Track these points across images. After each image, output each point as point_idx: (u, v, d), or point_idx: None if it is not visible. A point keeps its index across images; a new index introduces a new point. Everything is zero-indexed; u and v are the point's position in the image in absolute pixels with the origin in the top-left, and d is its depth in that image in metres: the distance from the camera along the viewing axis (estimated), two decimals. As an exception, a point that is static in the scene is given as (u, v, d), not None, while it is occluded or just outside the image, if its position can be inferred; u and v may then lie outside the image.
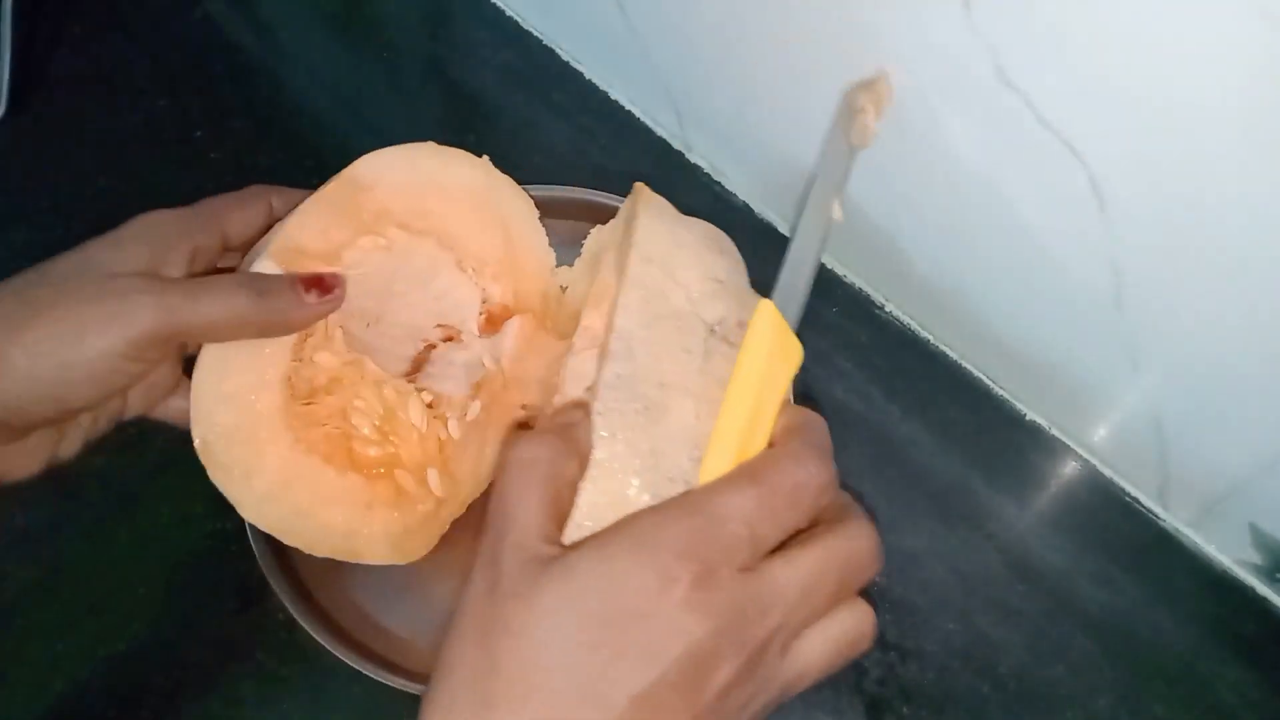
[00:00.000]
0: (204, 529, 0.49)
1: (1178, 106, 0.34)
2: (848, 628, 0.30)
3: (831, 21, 0.44)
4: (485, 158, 0.46)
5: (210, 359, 0.39)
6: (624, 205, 0.43)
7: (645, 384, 0.34)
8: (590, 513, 0.31)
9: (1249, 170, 0.34)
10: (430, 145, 0.45)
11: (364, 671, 0.43)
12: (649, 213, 0.38)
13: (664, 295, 0.36)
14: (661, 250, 0.37)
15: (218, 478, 0.39)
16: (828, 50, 0.46)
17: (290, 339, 0.41)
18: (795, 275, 0.36)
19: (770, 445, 0.32)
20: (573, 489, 0.31)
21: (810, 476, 0.30)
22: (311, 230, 0.41)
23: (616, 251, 0.40)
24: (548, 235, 0.49)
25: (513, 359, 0.46)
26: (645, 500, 0.31)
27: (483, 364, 0.46)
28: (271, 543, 0.44)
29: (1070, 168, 0.39)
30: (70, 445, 0.40)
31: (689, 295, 0.36)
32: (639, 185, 0.41)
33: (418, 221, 0.45)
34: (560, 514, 0.30)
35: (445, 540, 0.44)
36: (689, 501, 0.29)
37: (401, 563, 0.42)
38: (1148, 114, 0.35)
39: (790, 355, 0.33)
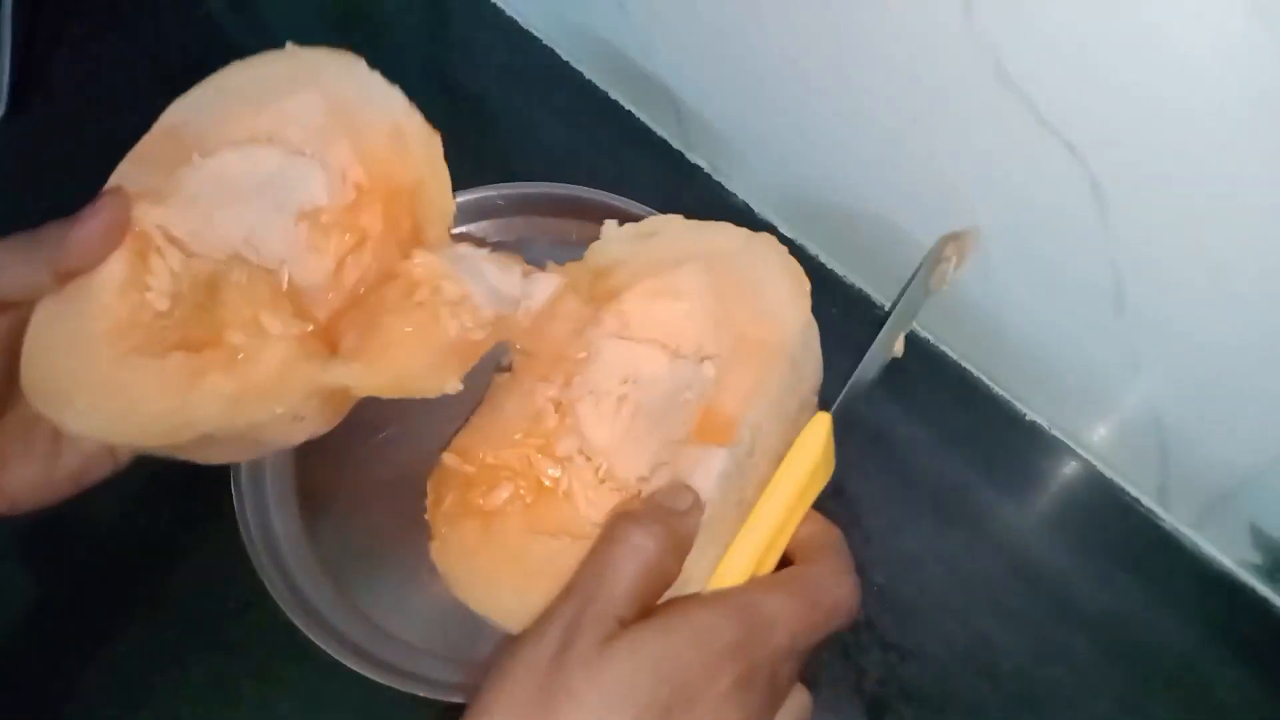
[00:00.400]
0: (204, 529, 0.49)
1: (1178, 107, 0.34)
2: (804, 709, 0.34)
3: (832, 21, 0.44)
4: (290, 44, 0.44)
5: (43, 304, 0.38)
6: (725, 232, 0.43)
7: (748, 481, 0.37)
8: None
9: (1249, 170, 0.34)
10: (234, 65, 0.43)
11: (362, 673, 0.43)
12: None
13: (793, 392, 0.40)
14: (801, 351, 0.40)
15: (43, 407, 0.37)
16: (828, 50, 0.46)
17: (114, 276, 0.39)
18: (853, 397, 0.39)
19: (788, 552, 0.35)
20: (667, 584, 0.33)
21: (847, 596, 0.33)
22: (127, 185, 0.40)
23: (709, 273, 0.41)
24: (547, 236, 0.48)
25: (539, 316, 0.43)
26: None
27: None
28: (268, 544, 0.45)
29: (1070, 168, 0.39)
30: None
31: (802, 397, 0.40)
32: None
33: (237, 135, 0.43)
34: (648, 603, 0.32)
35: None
36: (744, 602, 0.32)
37: (256, 417, 0.39)
38: (1148, 114, 0.35)
39: (827, 468, 0.35)
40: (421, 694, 0.43)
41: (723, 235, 0.42)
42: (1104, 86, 0.36)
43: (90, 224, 0.37)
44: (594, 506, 0.39)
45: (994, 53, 0.38)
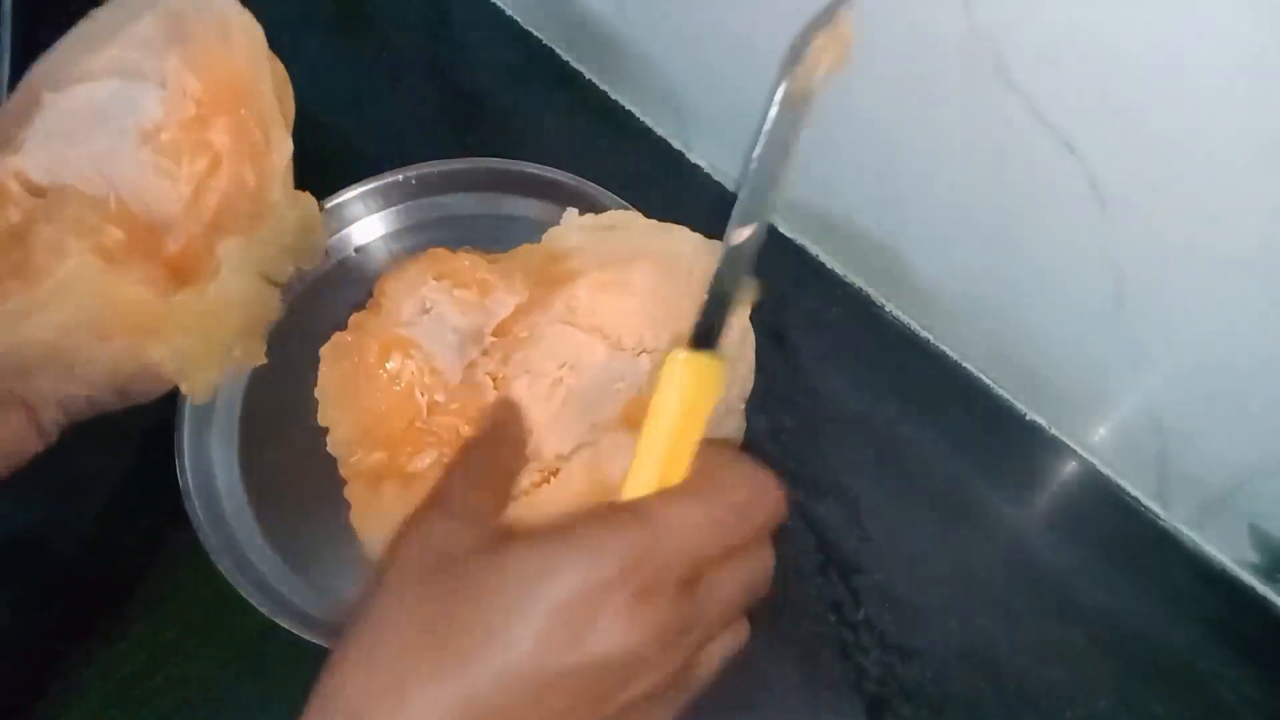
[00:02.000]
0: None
1: (1178, 106, 0.34)
2: (739, 638, 0.34)
3: (831, 21, 0.44)
4: None
5: None
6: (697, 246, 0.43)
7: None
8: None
9: (1249, 170, 0.34)
10: (90, 13, 0.44)
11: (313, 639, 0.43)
12: None
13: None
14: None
15: None
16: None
17: None
18: (735, 263, 0.36)
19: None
20: (511, 479, 0.35)
21: (759, 490, 0.31)
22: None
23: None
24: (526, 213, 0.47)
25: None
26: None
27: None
28: (226, 544, 0.46)
29: (1070, 168, 0.39)
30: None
31: (729, 403, 0.43)
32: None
33: (87, 71, 0.43)
34: (500, 503, 0.34)
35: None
36: (641, 510, 0.30)
37: (43, 330, 0.39)
38: (1148, 114, 0.35)
39: (711, 380, 0.34)
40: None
41: (679, 239, 0.43)
42: (1104, 86, 0.36)
43: None
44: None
45: (994, 52, 0.38)
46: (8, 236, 0.40)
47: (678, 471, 0.32)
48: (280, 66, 0.44)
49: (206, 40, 0.43)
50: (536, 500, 0.38)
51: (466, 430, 0.41)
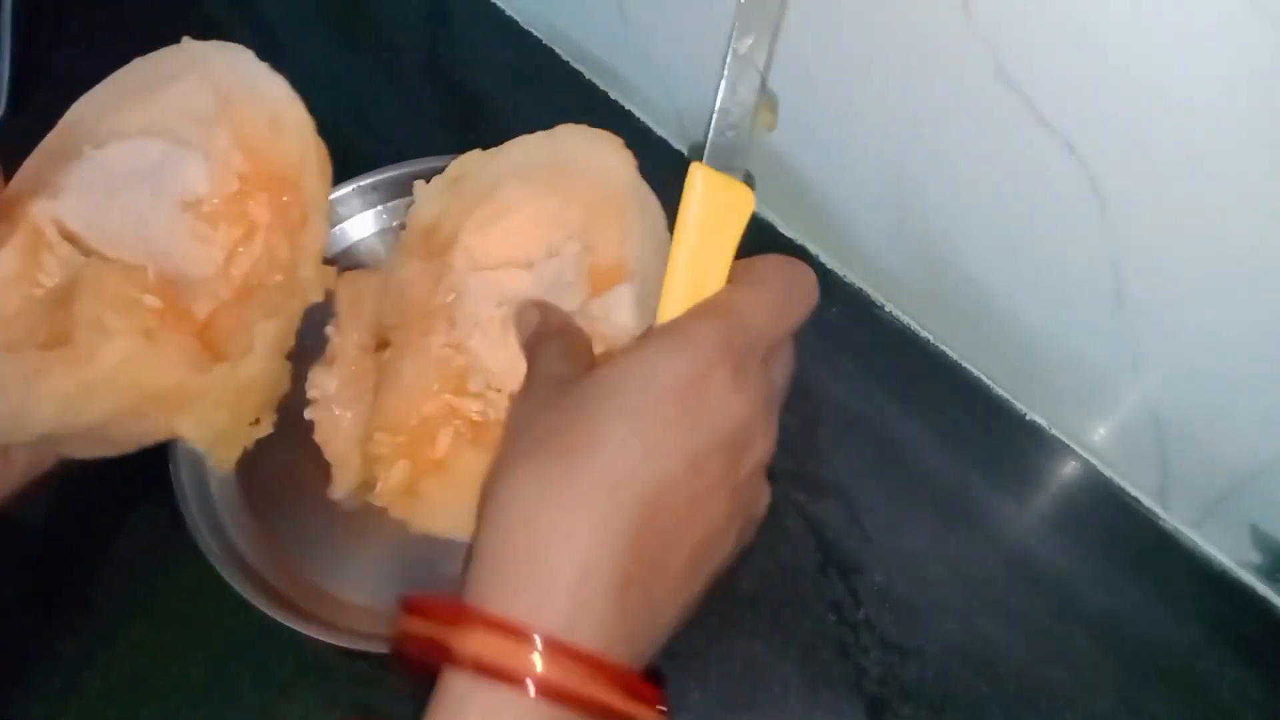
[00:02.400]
0: (204, 529, 0.49)
1: (1178, 106, 0.34)
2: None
3: (832, 21, 0.44)
4: (186, 39, 0.45)
5: None
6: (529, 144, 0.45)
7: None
8: None
9: (1249, 170, 0.34)
10: (136, 61, 0.44)
11: (308, 633, 0.44)
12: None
13: (654, 227, 0.43)
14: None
15: None
16: (828, 50, 0.46)
17: (5, 265, 0.40)
18: (724, 129, 0.36)
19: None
20: (587, 344, 0.38)
21: (799, 275, 0.35)
22: (28, 176, 0.42)
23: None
24: None
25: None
26: None
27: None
28: (223, 543, 0.46)
29: (1070, 168, 0.39)
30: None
31: (660, 235, 0.43)
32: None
33: (128, 127, 0.44)
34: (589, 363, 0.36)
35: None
36: (717, 305, 0.33)
37: (91, 413, 0.39)
38: (1148, 114, 0.35)
39: (738, 206, 0.34)
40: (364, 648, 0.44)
41: (524, 146, 0.44)
42: (1104, 86, 0.36)
43: None
44: None
45: (994, 53, 0.38)
46: (50, 300, 0.41)
47: (715, 282, 0.34)
48: (324, 149, 0.44)
49: (256, 125, 0.44)
50: None
51: (455, 400, 0.42)
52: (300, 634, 0.44)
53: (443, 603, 0.30)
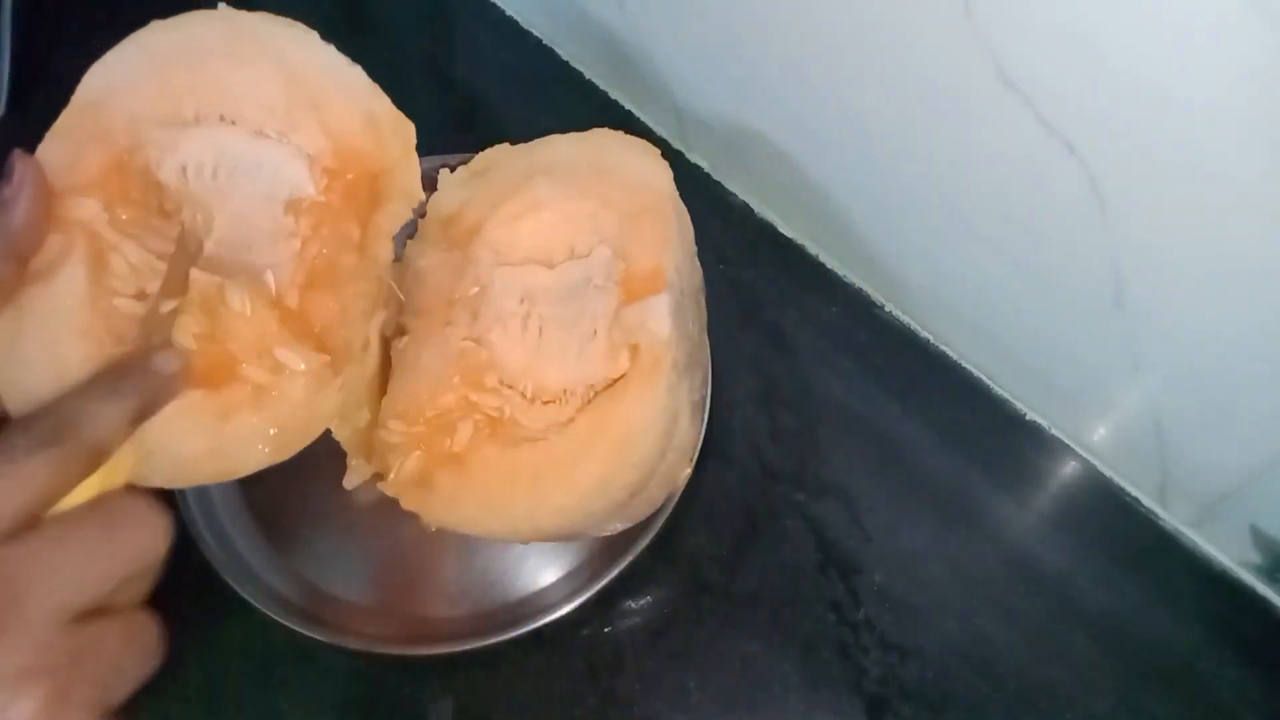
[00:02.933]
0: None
1: (1178, 106, 0.34)
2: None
3: (832, 21, 0.44)
4: (222, 5, 0.40)
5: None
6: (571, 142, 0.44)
7: (689, 317, 0.42)
8: None
9: (1249, 170, 0.34)
10: (156, 25, 0.39)
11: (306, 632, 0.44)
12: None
13: (686, 236, 0.43)
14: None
15: None
16: (828, 50, 0.46)
17: (76, 285, 0.36)
18: None
19: None
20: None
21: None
22: (56, 168, 0.36)
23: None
24: None
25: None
26: None
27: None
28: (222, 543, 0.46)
29: (1070, 168, 0.39)
30: None
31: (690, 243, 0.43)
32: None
33: (181, 111, 0.39)
34: None
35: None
36: None
37: (295, 448, 0.38)
38: (1148, 114, 0.35)
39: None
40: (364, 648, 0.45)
41: (557, 146, 0.44)
42: (1104, 86, 0.36)
43: (22, 201, 0.34)
44: (539, 421, 0.40)
45: (994, 53, 0.38)
46: (133, 312, 0.37)
47: None
48: (412, 135, 0.42)
49: (351, 125, 0.41)
50: (553, 444, 0.39)
51: (474, 394, 0.41)
52: (300, 634, 0.44)
53: None
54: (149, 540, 0.31)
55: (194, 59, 0.39)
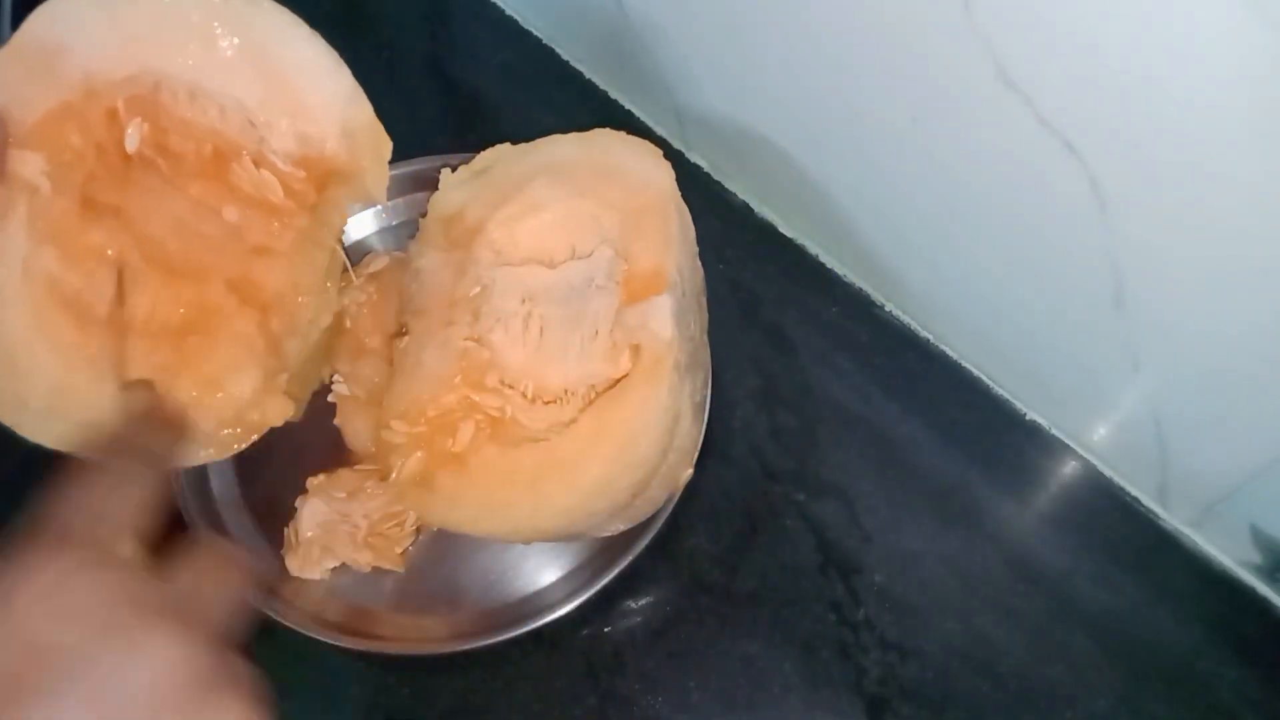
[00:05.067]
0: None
1: (1178, 107, 0.34)
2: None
3: (832, 21, 0.44)
4: None
5: None
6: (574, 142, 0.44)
7: (691, 318, 0.42)
8: None
9: (1249, 170, 0.34)
10: None
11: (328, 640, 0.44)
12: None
13: (688, 236, 0.43)
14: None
15: None
16: (828, 50, 0.46)
17: (16, 248, 0.34)
18: None
19: None
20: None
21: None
22: None
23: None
24: None
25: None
26: None
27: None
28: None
29: (1070, 168, 0.39)
30: None
31: (692, 242, 0.44)
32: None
33: (138, 84, 0.38)
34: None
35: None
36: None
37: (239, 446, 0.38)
38: (1148, 114, 0.35)
39: None
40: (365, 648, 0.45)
41: (558, 145, 0.44)
42: (1104, 86, 0.36)
43: None
44: (540, 421, 0.40)
45: (994, 53, 0.38)
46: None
47: None
48: (387, 150, 0.41)
49: (325, 128, 0.40)
50: (555, 444, 0.39)
51: (475, 394, 0.41)
52: (300, 634, 0.44)
53: None
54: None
55: (157, 24, 0.37)
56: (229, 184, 0.40)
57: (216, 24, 0.37)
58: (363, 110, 0.40)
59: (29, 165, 0.35)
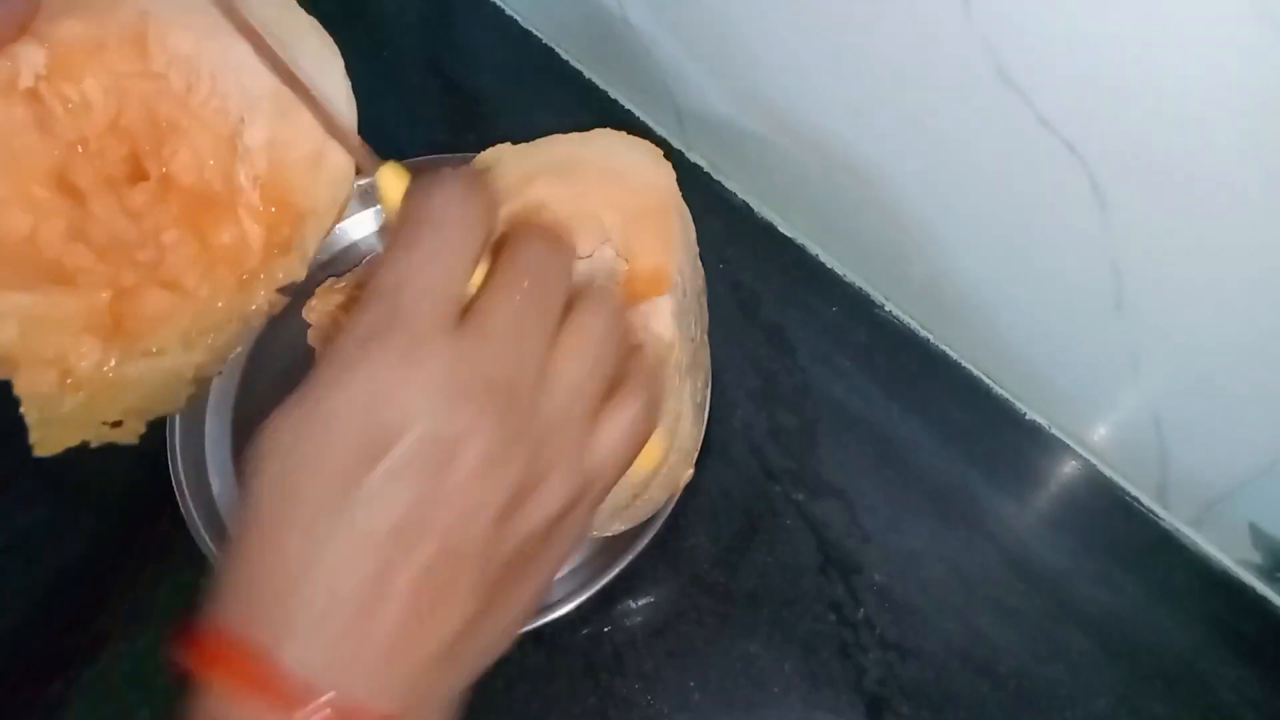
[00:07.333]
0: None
1: (1178, 106, 0.34)
2: (635, 412, 0.29)
3: (832, 21, 0.44)
4: None
5: None
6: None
7: (692, 319, 0.41)
8: None
9: (1249, 170, 0.34)
10: None
11: None
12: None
13: (688, 237, 0.43)
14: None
15: None
16: (828, 49, 0.46)
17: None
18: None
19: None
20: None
21: (439, 198, 0.28)
22: None
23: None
24: None
25: None
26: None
27: None
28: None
29: (1070, 168, 0.39)
30: None
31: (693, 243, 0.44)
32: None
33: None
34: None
35: None
36: (366, 292, 0.27)
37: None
38: (1148, 114, 0.35)
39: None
40: None
41: (559, 145, 0.44)
42: (1104, 86, 0.36)
43: None
44: None
45: (994, 53, 0.38)
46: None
47: None
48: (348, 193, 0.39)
49: (297, 155, 0.37)
50: None
51: None
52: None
53: (200, 636, 0.25)
54: None
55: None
56: (199, 222, 0.37)
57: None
58: (339, 148, 0.37)
59: (28, 59, 0.33)
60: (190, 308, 0.36)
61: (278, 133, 0.38)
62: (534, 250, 0.29)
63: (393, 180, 0.32)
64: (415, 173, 0.31)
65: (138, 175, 0.37)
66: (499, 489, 0.26)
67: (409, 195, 0.29)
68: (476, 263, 0.28)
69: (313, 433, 0.25)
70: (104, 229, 0.36)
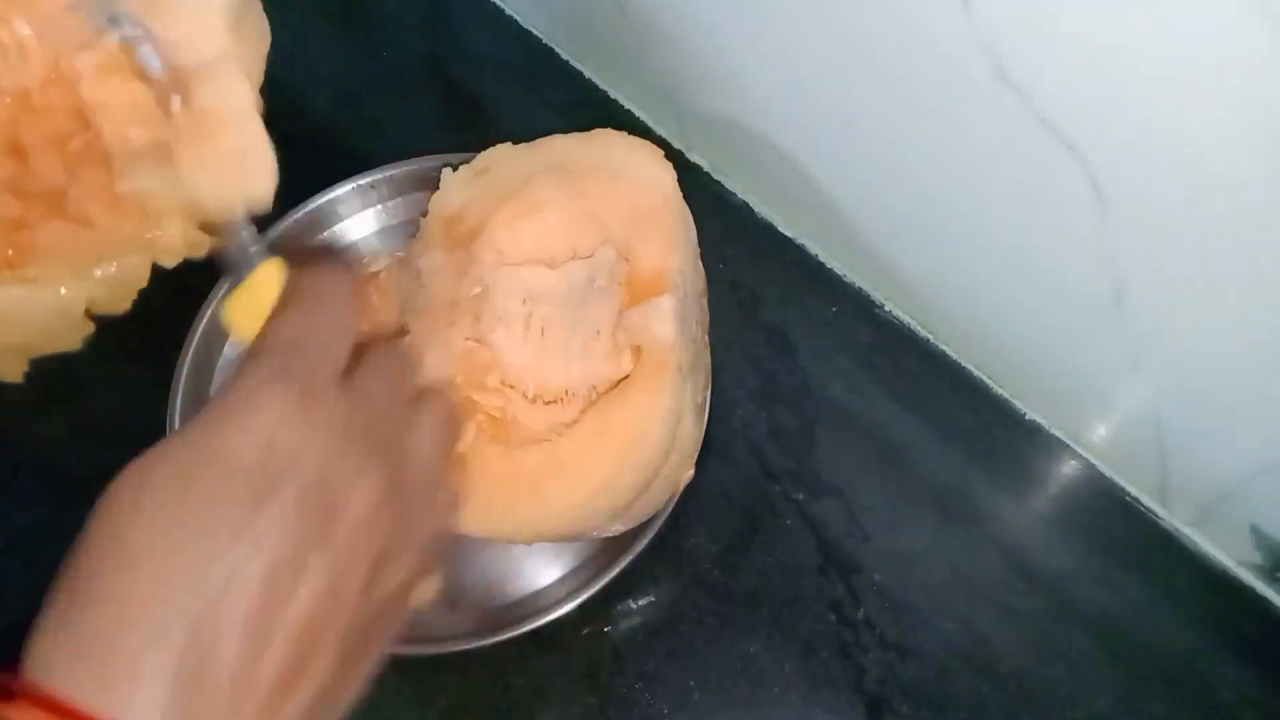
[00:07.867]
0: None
1: (1178, 107, 0.34)
2: (437, 409, 0.33)
3: (832, 20, 0.44)
4: None
5: None
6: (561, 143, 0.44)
7: (692, 320, 0.42)
8: None
9: (1249, 170, 0.34)
10: None
11: None
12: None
13: (689, 237, 0.43)
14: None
15: None
16: (828, 48, 0.46)
17: None
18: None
19: None
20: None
21: (327, 278, 0.31)
22: None
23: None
24: None
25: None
26: None
27: None
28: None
29: (1070, 168, 0.39)
30: None
31: (694, 242, 0.44)
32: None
33: None
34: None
35: None
36: (255, 348, 0.29)
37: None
38: (1148, 114, 0.35)
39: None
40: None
41: (559, 145, 0.44)
42: (1104, 86, 0.36)
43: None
44: (540, 421, 0.41)
45: (994, 53, 0.38)
46: None
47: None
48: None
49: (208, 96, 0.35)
50: (557, 445, 0.39)
51: (477, 395, 0.41)
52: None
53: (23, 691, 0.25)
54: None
55: None
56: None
57: None
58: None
59: None
60: (87, 237, 0.34)
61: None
62: (396, 350, 0.33)
63: (271, 271, 0.33)
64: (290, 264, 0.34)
65: (83, 126, 0.35)
66: (375, 543, 0.28)
67: (296, 276, 0.32)
68: (354, 334, 0.31)
69: (204, 470, 0.26)
70: (40, 182, 0.35)
